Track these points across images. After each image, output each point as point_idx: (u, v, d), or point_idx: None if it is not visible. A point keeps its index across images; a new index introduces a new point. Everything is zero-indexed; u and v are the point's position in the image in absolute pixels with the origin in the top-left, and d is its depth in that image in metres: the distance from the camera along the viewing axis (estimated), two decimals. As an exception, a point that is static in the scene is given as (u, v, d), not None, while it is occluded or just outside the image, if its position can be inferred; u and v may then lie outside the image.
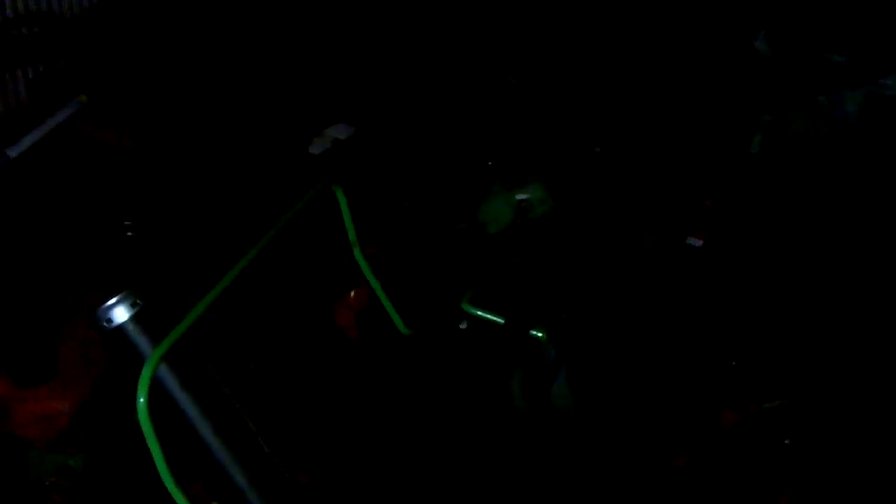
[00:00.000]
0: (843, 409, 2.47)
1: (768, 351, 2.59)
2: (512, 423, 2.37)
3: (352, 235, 2.28)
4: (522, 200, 2.77)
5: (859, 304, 2.75)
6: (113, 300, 1.71)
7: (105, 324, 1.72)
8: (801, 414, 2.45)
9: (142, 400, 1.60)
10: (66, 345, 2.03)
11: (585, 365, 2.44)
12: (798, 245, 2.96)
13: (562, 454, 2.33)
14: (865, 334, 2.65)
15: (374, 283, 2.30)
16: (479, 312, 2.43)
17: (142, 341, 1.73)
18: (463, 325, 2.43)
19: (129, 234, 2.25)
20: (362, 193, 2.40)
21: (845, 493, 2.32)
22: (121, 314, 1.72)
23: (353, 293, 2.43)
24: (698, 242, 2.84)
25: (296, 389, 2.17)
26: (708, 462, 2.36)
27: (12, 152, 2.22)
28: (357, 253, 2.29)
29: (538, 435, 2.36)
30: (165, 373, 1.72)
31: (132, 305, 1.72)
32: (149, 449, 1.64)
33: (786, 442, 2.40)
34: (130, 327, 1.72)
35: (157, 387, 1.68)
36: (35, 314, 2.04)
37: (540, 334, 2.36)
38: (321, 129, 2.88)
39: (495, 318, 2.41)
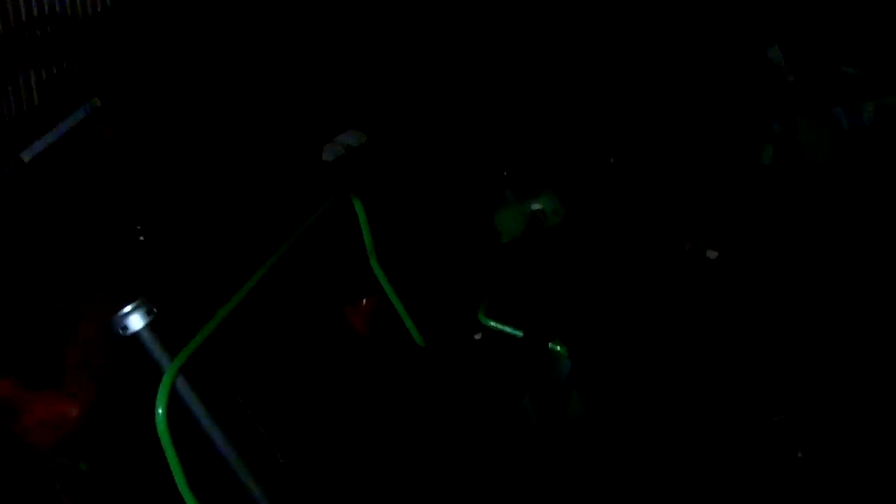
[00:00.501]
0: (856, 420, 2.46)
1: (782, 362, 2.58)
2: (525, 436, 2.35)
3: (369, 245, 2.27)
4: (536, 210, 2.76)
5: (874, 315, 2.74)
6: (129, 307, 1.70)
7: (120, 331, 1.71)
8: (814, 426, 2.44)
9: (160, 411, 1.59)
10: (73, 349, 2.02)
11: (598, 378, 2.43)
12: (811, 256, 2.96)
13: (574, 467, 2.32)
14: (881, 345, 2.64)
15: (391, 293, 2.28)
16: (496, 325, 2.41)
17: (157, 349, 1.73)
18: (477, 336, 2.42)
19: (141, 238, 2.25)
20: (375, 201, 2.39)
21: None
22: (136, 322, 1.70)
23: (364, 302, 2.42)
24: (714, 255, 2.84)
25: (309, 398, 2.16)
26: (721, 473, 2.35)
27: (25, 156, 2.22)
28: (374, 262, 2.27)
29: (551, 448, 2.35)
30: (181, 381, 1.71)
31: (148, 313, 1.71)
32: (160, 454, 1.64)
33: (798, 455, 2.39)
34: (146, 335, 1.71)
35: (171, 395, 1.67)
36: (43, 318, 2.03)
37: (558, 347, 2.35)
38: (333, 136, 2.88)
39: (512, 331, 2.39)
